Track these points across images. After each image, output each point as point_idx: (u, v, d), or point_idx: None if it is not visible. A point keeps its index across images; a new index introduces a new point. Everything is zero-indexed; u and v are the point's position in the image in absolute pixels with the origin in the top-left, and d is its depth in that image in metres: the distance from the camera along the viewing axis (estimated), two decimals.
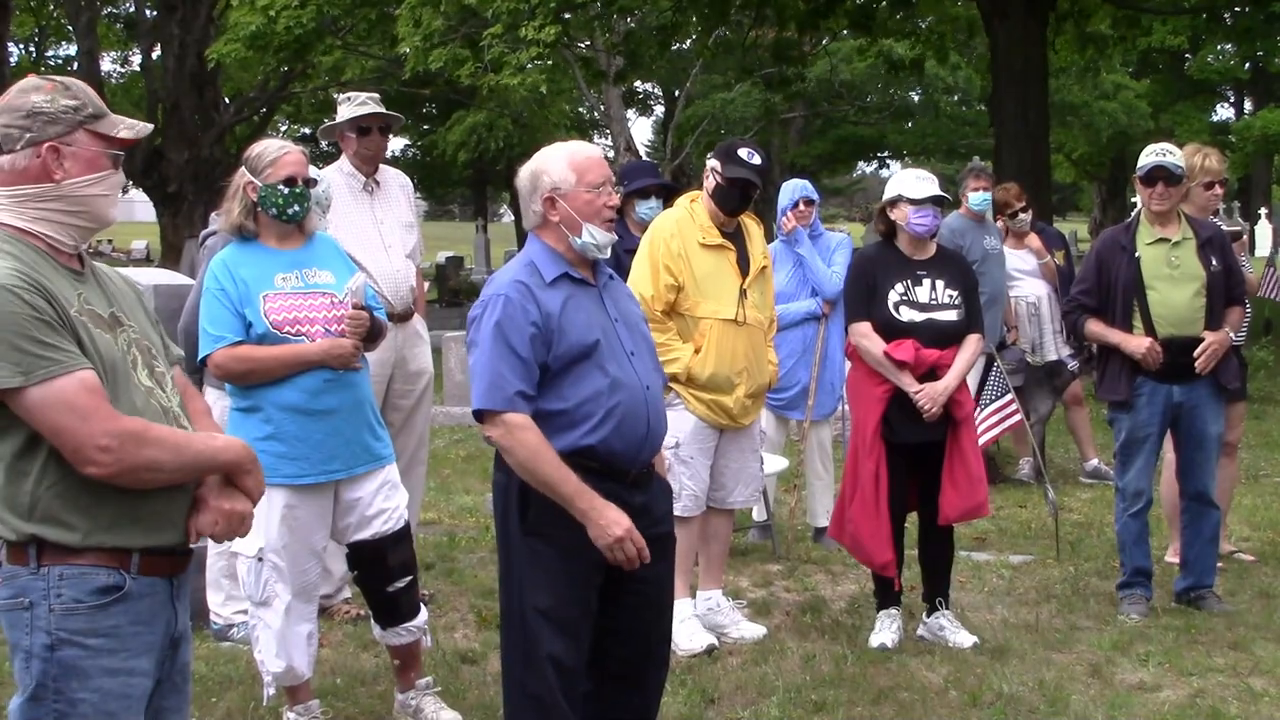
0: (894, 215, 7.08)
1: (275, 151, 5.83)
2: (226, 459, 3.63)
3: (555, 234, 4.84)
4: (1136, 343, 7.42)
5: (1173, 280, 7.44)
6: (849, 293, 7.37)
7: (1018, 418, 9.27)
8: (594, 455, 4.70)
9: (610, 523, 4.64)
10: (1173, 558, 8.36)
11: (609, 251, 4.91)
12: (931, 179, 7.10)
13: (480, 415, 4.73)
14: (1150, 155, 7.52)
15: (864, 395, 7.13)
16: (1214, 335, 7.41)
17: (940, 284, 7.04)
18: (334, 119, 7.84)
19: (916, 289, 7.02)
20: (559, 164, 4.82)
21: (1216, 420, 7.58)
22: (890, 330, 7.00)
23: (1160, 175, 7.42)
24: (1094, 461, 11.52)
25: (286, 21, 22.14)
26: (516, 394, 4.64)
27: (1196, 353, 7.36)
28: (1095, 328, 7.62)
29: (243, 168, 5.86)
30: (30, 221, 3.51)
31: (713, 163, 7.01)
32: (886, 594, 7.20)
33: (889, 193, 7.14)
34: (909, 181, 7.08)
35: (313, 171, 6.00)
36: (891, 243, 7.17)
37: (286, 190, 5.75)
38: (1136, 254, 7.50)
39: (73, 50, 40.36)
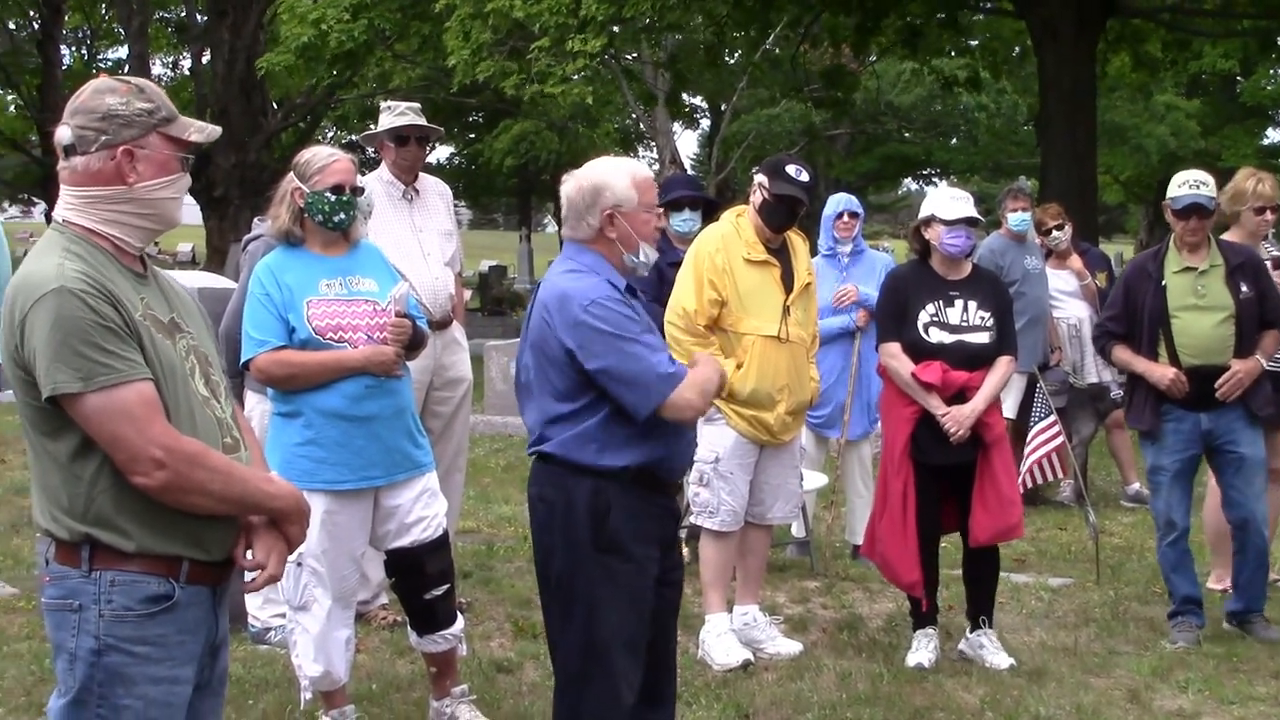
0: (928, 235, 7.06)
1: (324, 159, 5.85)
2: (277, 506, 3.63)
3: (609, 249, 4.83)
4: (1161, 372, 7.37)
5: (1198, 309, 7.38)
6: (880, 312, 7.36)
7: (1060, 439, 9.23)
8: (659, 468, 4.74)
9: (714, 362, 4.95)
10: (1214, 584, 8.30)
11: (647, 270, 4.93)
12: (966, 198, 7.07)
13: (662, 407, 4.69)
14: (1183, 188, 7.45)
15: (894, 415, 7.11)
16: (1240, 364, 7.32)
17: (973, 305, 7.00)
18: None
19: (948, 310, 6.99)
20: (622, 182, 4.80)
21: (1253, 444, 7.48)
22: (919, 351, 6.97)
23: (1195, 210, 7.37)
24: (1135, 485, 11.45)
25: (338, 35, 22.25)
26: (678, 370, 4.71)
27: (1219, 382, 7.29)
28: (1122, 355, 7.59)
29: (291, 173, 5.88)
30: (99, 223, 3.53)
31: (760, 178, 7.00)
32: (921, 613, 7.17)
33: (923, 212, 7.13)
34: (943, 201, 7.06)
35: (359, 180, 6.01)
36: (926, 262, 7.15)
37: (334, 198, 5.77)
38: (1163, 282, 7.44)
39: (124, 53, 40.63)
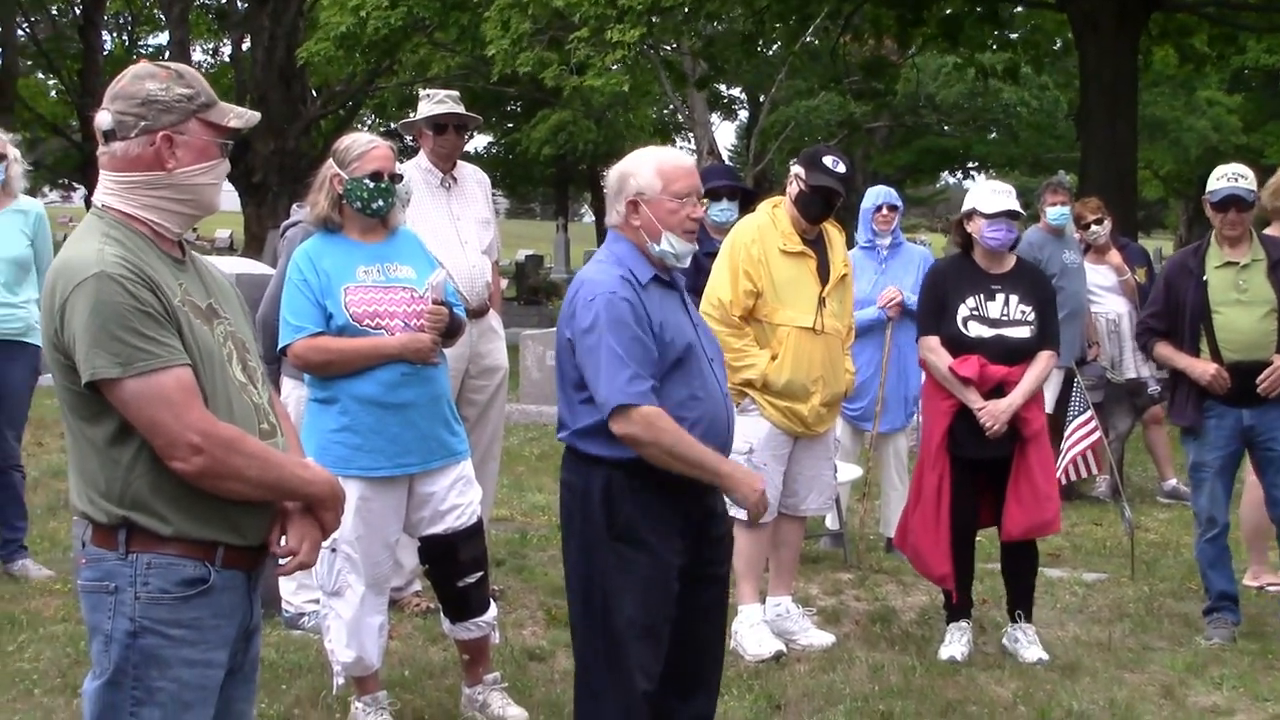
0: (970, 228, 7.05)
1: (363, 145, 5.87)
2: (312, 491, 3.64)
3: (637, 237, 4.83)
4: (1202, 368, 7.32)
5: (1240, 304, 7.32)
6: (920, 306, 7.33)
7: (1097, 435, 9.19)
8: None
9: (747, 481, 4.80)
10: (1250, 581, 8.26)
11: (688, 261, 4.88)
12: (1008, 192, 7.04)
13: (612, 414, 4.65)
14: (1222, 180, 7.39)
15: (932, 408, 7.12)
16: None
17: (1014, 299, 6.97)
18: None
19: (989, 304, 6.97)
20: (647, 169, 4.80)
21: None
22: (958, 345, 6.95)
23: (1233, 203, 7.31)
24: (1172, 481, 11.41)
25: (376, 22, 22.29)
26: (650, 389, 4.64)
27: (1261, 377, 7.23)
28: (1164, 351, 7.54)
29: (330, 160, 5.90)
30: (138, 208, 3.54)
31: (797, 169, 6.99)
32: (954, 606, 7.16)
33: (965, 205, 7.12)
34: (984, 194, 7.04)
35: (397, 167, 6.02)
36: (969, 255, 7.13)
37: (372, 184, 5.78)
38: (1204, 278, 7.40)
39: (165, 39, 40.81)
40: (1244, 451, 7.52)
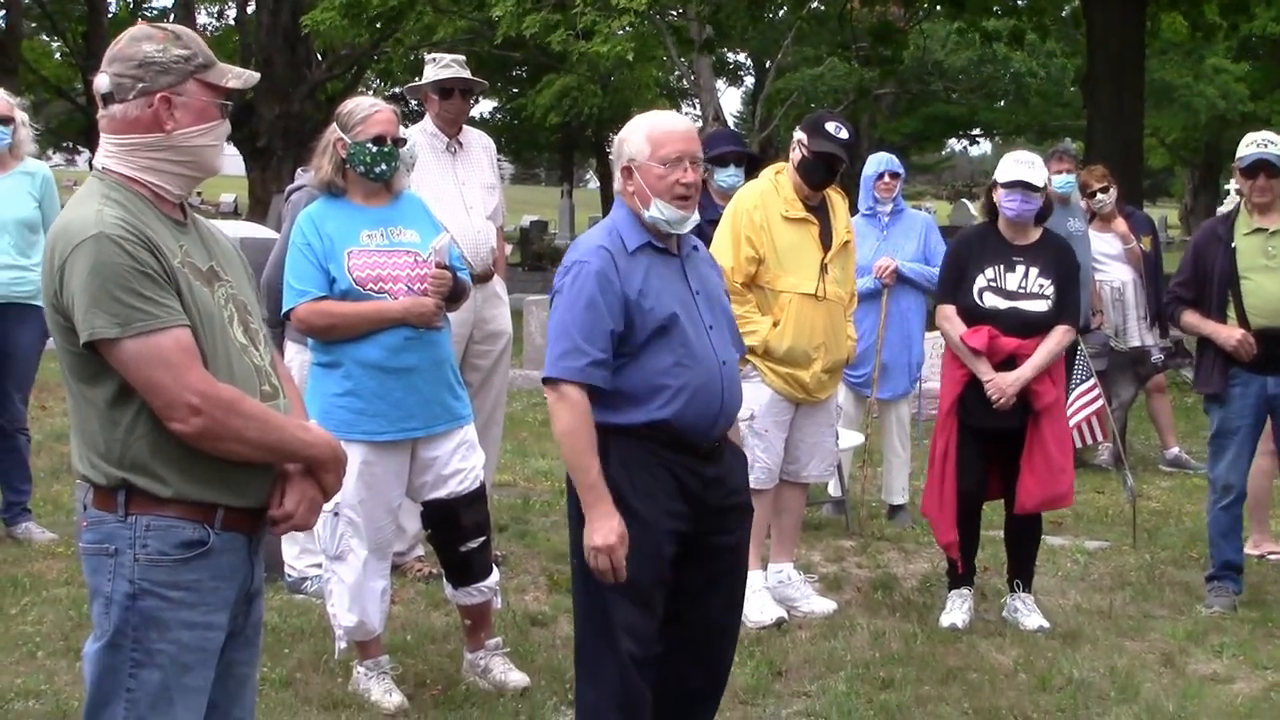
0: (996, 197, 7.03)
1: (366, 109, 5.86)
2: (313, 454, 3.62)
3: (633, 203, 4.82)
4: (1228, 334, 7.30)
5: (1268, 270, 7.31)
6: (941, 274, 7.33)
7: (1100, 402, 9.20)
8: (668, 429, 4.68)
9: (597, 530, 4.61)
10: (1251, 550, 8.27)
11: (685, 228, 4.81)
12: (1030, 163, 6.97)
13: (545, 379, 4.73)
14: (1251, 146, 7.37)
15: (947, 375, 7.15)
16: None
17: (1034, 271, 6.94)
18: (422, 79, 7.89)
19: (1008, 275, 6.95)
20: (638, 135, 4.78)
21: None
22: (973, 316, 6.95)
23: (1262, 168, 7.29)
24: (1174, 450, 11.42)
25: None
26: (590, 364, 4.62)
27: None
28: (1191, 319, 7.52)
29: (334, 124, 5.89)
30: (138, 170, 3.53)
31: (799, 135, 6.98)
32: (957, 574, 7.17)
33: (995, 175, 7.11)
34: (1005, 164, 7.03)
35: (401, 131, 6.02)
36: (994, 225, 7.11)
37: (375, 148, 5.78)
38: (1233, 244, 7.37)
39: (169, 2, 40.72)
40: (1266, 419, 7.51)
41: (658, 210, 4.74)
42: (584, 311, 4.64)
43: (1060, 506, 7.43)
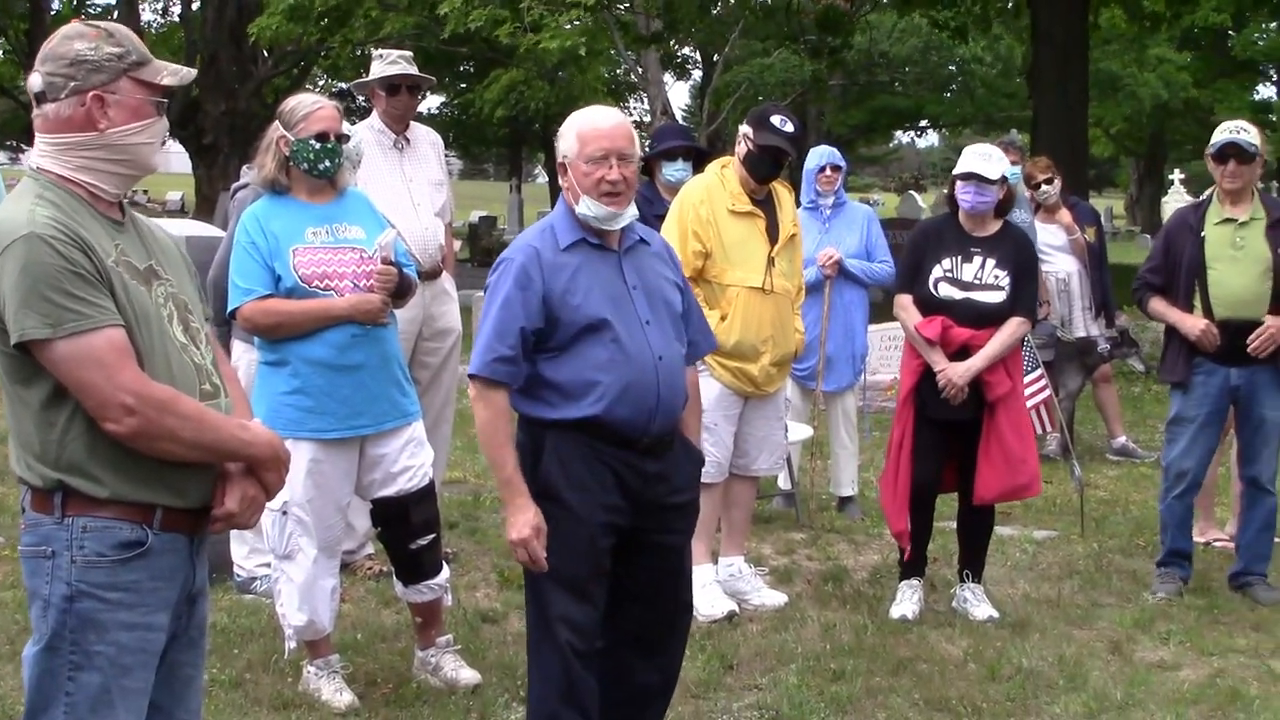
0: (954, 190, 7.06)
1: (308, 106, 5.84)
2: (252, 453, 3.60)
3: (570, 199, 4.83)
4: (1192, 323, 7.33)
5: (1235, 261, 7.32)
6: (900, 263, 7.36)
7: (1047, 392, 9.25)
8: (600, 424, 4.70)
9: (512, 524, 4.69)
10: (1198, 537, 8.32)
11: (616, 224, 4.80)
12: (988, 156, 6.98)
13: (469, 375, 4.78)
14: (1223, 132, 7.39)
15: (905, 365, 7.19)
16: (1274, 319, 7.25)
17: (991, 263, 6.96)
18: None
19: (965, 265, 6.97)
20: (570, 132, 4.79)
21: (1276, 406, 7.42)
22: (928, 306, 6.98)
23: (1232, 152, 7.30)
24: (1121, 439, 11.49)
25: None
26: (496, 360, 4.69)
27: (1251, 337, 7.24)
28: (1158, 306, 7.54)
29: (276, 121, 5.87)
30: (73, 170, 3.50)
31: (745, 129, 6.98)
32: (908, 564, 7.20)
33: None
34: (963, 157, 7.06)
35: (345, 127, 5.99)
36: (954, 217, 7.13)
37: (318, 145, 5.75)
38: (1202, 233, 7.40)
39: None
40: (1228, 410, 7.54)
41: (586, 207, 4.75)
42: (499, 309, 4.71)
43: (1024, 497, 7.47)
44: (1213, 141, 7.44)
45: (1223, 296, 7.32)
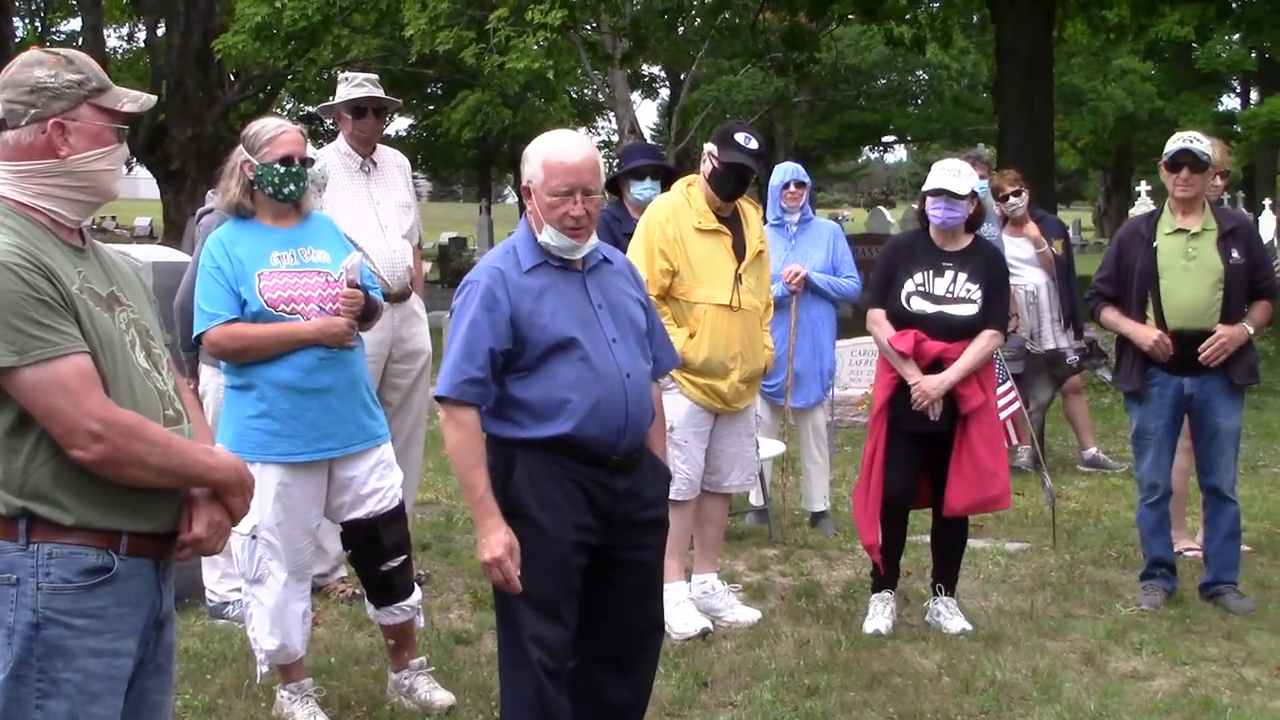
0: (925, 205, 7.09)
1: (272, 130, 5.83)
2: (218, 478, 3.60)
3: (533, 221, 4.84)
4: (1145, 333, 7.36)
5: (1186, 271, 7.35)
6: (873, 278, 7.38)
7: (1017, 405, 9.27)
8: (570, 442, 4.71)
9: (485, 545, 4.70)
10: None
11: (577, 254, 4.81)
12: (957, 171, 7.00)
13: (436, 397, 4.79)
14: (1176, 141, 7.42)
15: (879, 379, 7.20)
16: (1225, 329, 7.29)
17: (962, 277, 6.98)
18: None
19: (936, 280, 6.99)
20: (536, 159, 4.78)
21: (1230, 414, 7.46)
22: (900, 320, 7.00)
23: (1185, 160, 7.32)
24: (1092, 450, 11.52)
25: (293, 13, 22.14)
26: (465, 382, 4.69)
27: (1202, 346, 7.27)
28: (1110, 316, 7.57)
29: (240, 146, 5.86)
30: (33, 197, 3.49)
31: (710, 147, 7.00)
32: (879, 577, 7.21)
33: None
34: (932, 172, 7.09)
35: (310, 151, 5.99)
36: (926, 232, 7.15)
37: (283, 169, 5.75)
38: (1154, 244, 7.43)
39: (78, 25, 40.33)
40: (1184, 418, 7.57)
41: (549, 236, 4.77)
42: (466, 330, 4.71)
43: (994, 510, 7.47)
44: (1166, 150, 7.47)
45: (1175, 307, 7.35)
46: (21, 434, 3.37)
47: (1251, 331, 7.39)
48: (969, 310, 6.96)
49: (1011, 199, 10.94)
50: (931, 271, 7.01)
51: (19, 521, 3.40)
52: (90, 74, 3.53)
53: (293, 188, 5.79)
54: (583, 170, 4.75)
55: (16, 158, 3.49)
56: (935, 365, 6.92)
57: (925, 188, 7.08)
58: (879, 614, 7.14)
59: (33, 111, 3.46)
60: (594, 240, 4.85)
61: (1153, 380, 7.45)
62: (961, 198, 6.95)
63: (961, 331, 6.95)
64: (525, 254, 4.81)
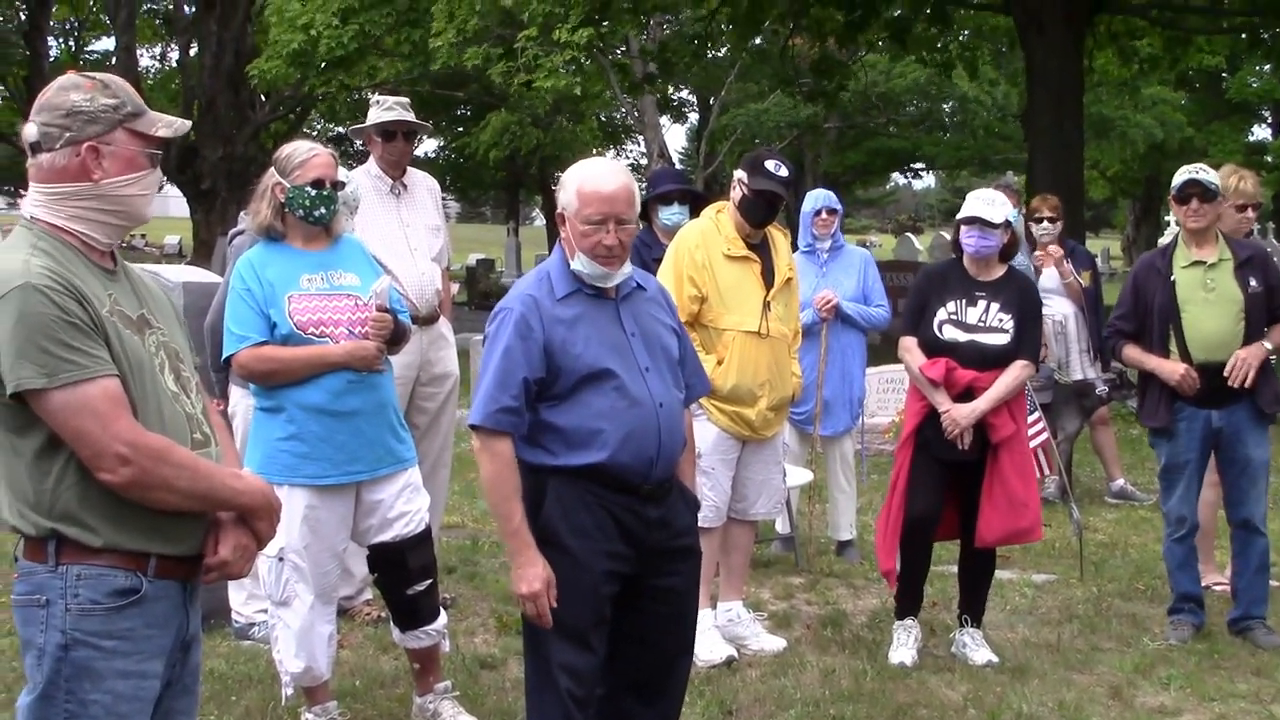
0: (959, 234, 7.08)
1: (304, 153, 5.85)
2: (245, 503, 3.61)
3: (567, 248, 4.83)
4: (1171, 368, 7.33)
5: (1207, 303, 7.32)
6: (906, 306, 7.37)
7: (1045, 436, 9.23)
8: (604, 471, 4.68)
9: (522, 577, 4.64)
10: None
11: (609, 283, 4.80)
12: (991, 200, 6.98)
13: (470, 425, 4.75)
14: (1183, 173, 7.40)
15: (909, 406, 7.19)
16: (1245, 349, 7.25)
17: (995, 306, 6.96)
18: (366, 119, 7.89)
19: (969, 309, 6.97)
20: (571, 185, 4.76)
21: (1260, 444, 7.42)
22: (933, 348, 6.98)
23: (1194, 191, 7.30)
24: (1120, 482, 11.47)
25: (328, 42, 22.25)
26: (500, 410, 4.65)
27: (1226, 369, 7.22)
28: (1132, 353, 7.53)
29: (272, 169, 5.88)
30: (66, 219, 3.51)
31: (739, 174, 6.99)
32: (899, 604, 7.19)
33: None
34: (967, 201, 7.08)
35: (341, 173, 6.00)
36: (959, 261, 7.14)
37: (314, 192, 5.77)
38: (1171, 277, 7.40)
39: (111, 45, 40.58)
40: (1212, 452, 7.51)
41: (582, 264, 4.75)
42: (500, 358, 4.68)
43: (1025, 541, 7.43)
44: (1173, 183, 7.44)
45: (1198, 339, 7.31)
46: (51, 456, 3.38)
47: (1269, 348, 7.32)
48: (1001, 340, 6.94)
49: (1045, 223, 10.91)
50: (964, 300, 7.00)
51: (48, 543, 3.42)
52: (126, 98, 3.55)
53: (323, 211, 5.81)
54: (617, 199, 4.73)
55: (50, 180, 3.51)
56: (966, 394, 6.90)
57: (959, 216, 7.06)
58: (903, 644, 7.11)
59: (68, 135, 3.48)
60: (627, 268, 4.83)
61: (1180, 415, 7.40)
62: (995, 227, 6.94)
63: (994, 361, 6.93)
64: (559, 281, 4.79)
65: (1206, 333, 7.30)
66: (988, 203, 6.98)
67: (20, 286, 3.31)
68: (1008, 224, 7.01)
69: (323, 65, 23.47)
